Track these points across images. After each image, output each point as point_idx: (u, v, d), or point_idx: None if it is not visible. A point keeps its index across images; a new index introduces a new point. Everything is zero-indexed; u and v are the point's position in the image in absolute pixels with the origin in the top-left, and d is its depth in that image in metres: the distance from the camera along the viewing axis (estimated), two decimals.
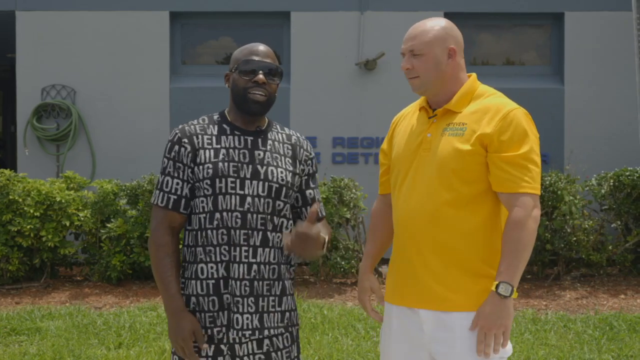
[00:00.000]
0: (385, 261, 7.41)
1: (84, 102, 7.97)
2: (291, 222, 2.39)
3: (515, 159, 2.25)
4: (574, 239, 6.44)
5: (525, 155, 2.25)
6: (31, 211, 6.43)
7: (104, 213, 6.73)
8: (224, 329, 2.27)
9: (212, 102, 7.78)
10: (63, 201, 6.51)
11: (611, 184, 6.63)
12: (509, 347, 2.33)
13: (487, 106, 2.32)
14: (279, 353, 2.34)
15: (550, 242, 6.45)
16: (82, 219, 6.61)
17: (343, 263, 6.55)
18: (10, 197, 6.45)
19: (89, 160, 7.94)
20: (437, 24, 2.38)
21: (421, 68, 2.34)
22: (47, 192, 6.51)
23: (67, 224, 6.56)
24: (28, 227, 6.42)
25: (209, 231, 2.28)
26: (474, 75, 2.44)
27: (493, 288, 2.22)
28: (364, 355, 4.67)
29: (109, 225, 6.58)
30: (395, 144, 2.50)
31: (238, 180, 2.29)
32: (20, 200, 6.49)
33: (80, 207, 6.68)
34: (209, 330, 2.28)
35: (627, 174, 6.63)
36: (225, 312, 2.27)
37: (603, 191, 6.63)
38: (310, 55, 7.89)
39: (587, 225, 6.51)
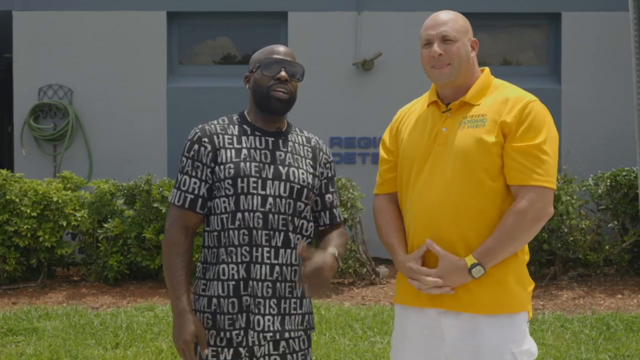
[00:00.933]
0: (382, 261, 7.43)
1: (81, 102, 7.96)
2: (311, 224, 2.38)
3: (527, 149, 2.15)
4: (571, 238, 6.45)
5: (538, 145, 2.16)
6: (28, 211, 6.42)
7: (101, 213, 6.72)
8: (242, 332, 2.24)
9: (210, 102, 7.82)
10: (60, 201, 6.50)
11: (608, 184, 6.64)
12: (535, 349, 2.24)
13: (506, 97, 2.24)
14: (294, 355, 2.31)
15: (547, 242, 6.45)
16: (79, 219, 6.59)
17: (340, 263, 6.53)
18: (7, 197, 6.44)
19: (86, 160, 7.93)
20: (459, 14, 2.31)
21: (454, 55, 2.24)
22: (44, 192, 6.50)
23: (64, 224, 6.54)
24: (25, 227, 6.41)
25: (231, 231, 2.25)
26: (487, 69, 2.38)
27: (468, 263, 2.15)
28: (361, 355, 4.67)
29: (106, 225, 6.57)
30: (404, 141, 2.39)
31: (260, 181, 2.26)
32: (17, 200, 6.48)
33: (77, 207, 6.67)
34: (227, 333, 2.24)
35: (624, 174, 6.64)
36: (244, 315, 2.24)
37: (600, 191, 6.63)
38: (307, 55, 7.85)
39: (584, 225, 6.51)
